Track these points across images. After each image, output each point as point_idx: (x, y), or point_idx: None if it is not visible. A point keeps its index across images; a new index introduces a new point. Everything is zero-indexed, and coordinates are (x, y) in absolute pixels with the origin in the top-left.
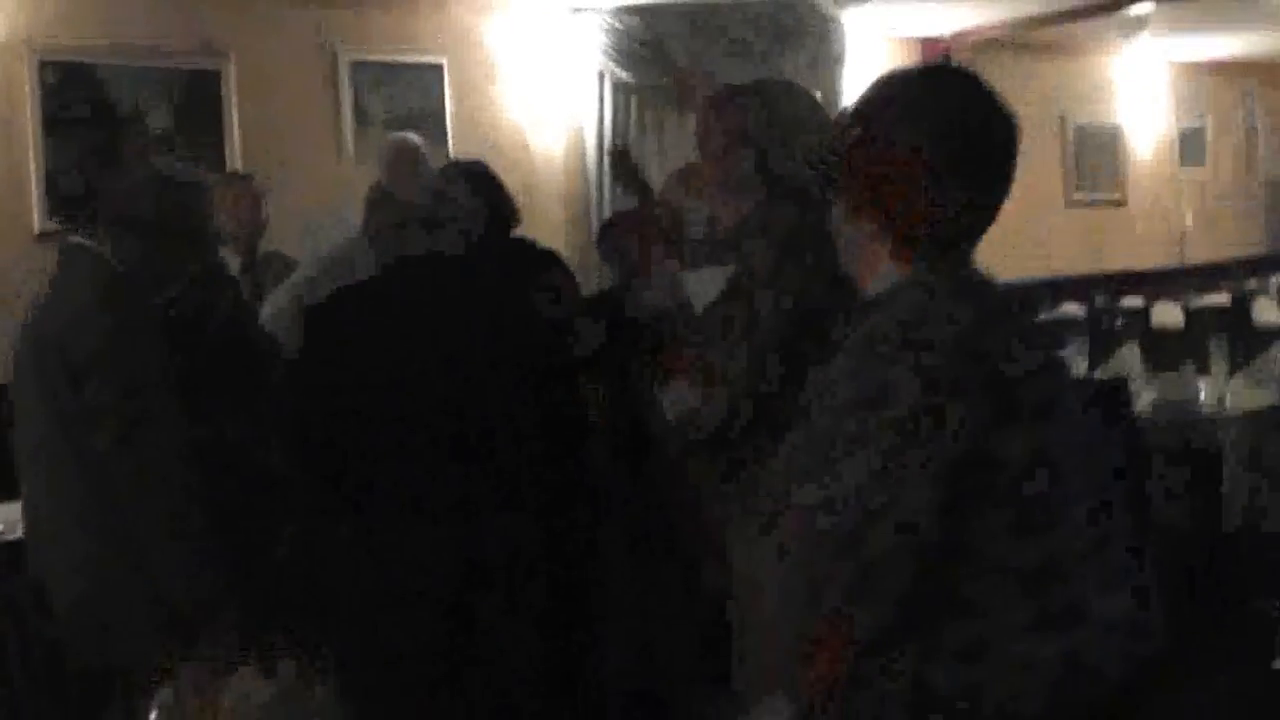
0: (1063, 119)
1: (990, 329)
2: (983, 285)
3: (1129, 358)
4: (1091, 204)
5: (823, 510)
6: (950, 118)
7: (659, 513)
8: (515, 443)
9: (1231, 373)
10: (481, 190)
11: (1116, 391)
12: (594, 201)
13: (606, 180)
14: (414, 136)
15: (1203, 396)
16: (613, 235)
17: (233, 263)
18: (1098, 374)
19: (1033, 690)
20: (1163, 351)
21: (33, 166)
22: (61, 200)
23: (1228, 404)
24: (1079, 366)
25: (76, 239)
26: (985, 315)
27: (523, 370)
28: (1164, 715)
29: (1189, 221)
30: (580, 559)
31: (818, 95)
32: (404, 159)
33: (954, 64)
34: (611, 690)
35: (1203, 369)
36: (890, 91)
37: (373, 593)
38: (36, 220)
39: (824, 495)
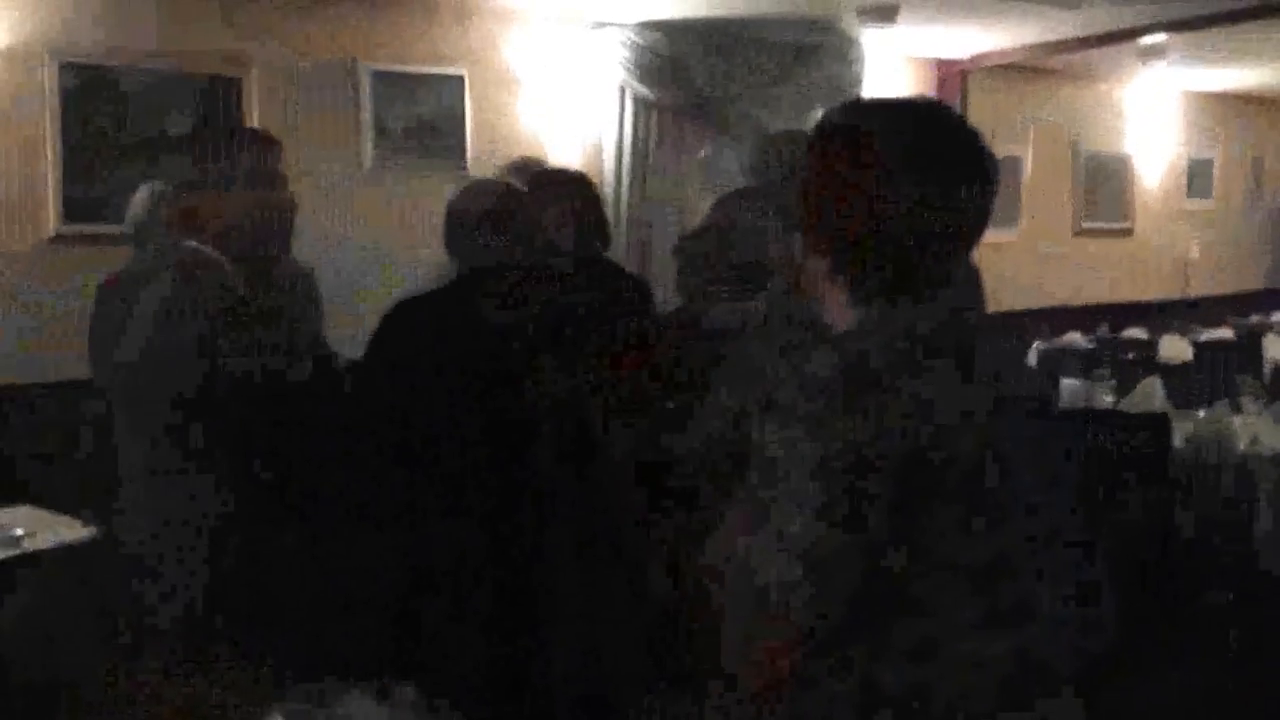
0: (1074, 145)
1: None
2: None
3: (1153, 391)
4: (1099, 233)
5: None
6: (901, 148)
7: (605, 516)
8: (460, 448)
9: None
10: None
11: (1159, 427)
12: (611, 216)
13: (624, 194)
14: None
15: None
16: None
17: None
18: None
19: (983, 688)
20: (1174, 385)
21: (50, 170)
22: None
23: (1263, 445)
24: (1104, 398)
25: (190, 242)
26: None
27: (465, 376)
28: (1117, 711)
29: (1194, 253)
30: (526, 563)
31: None
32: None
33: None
34: (559, 695)
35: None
36: (845, 121)
37: (318, 600)
38: (52, 223)
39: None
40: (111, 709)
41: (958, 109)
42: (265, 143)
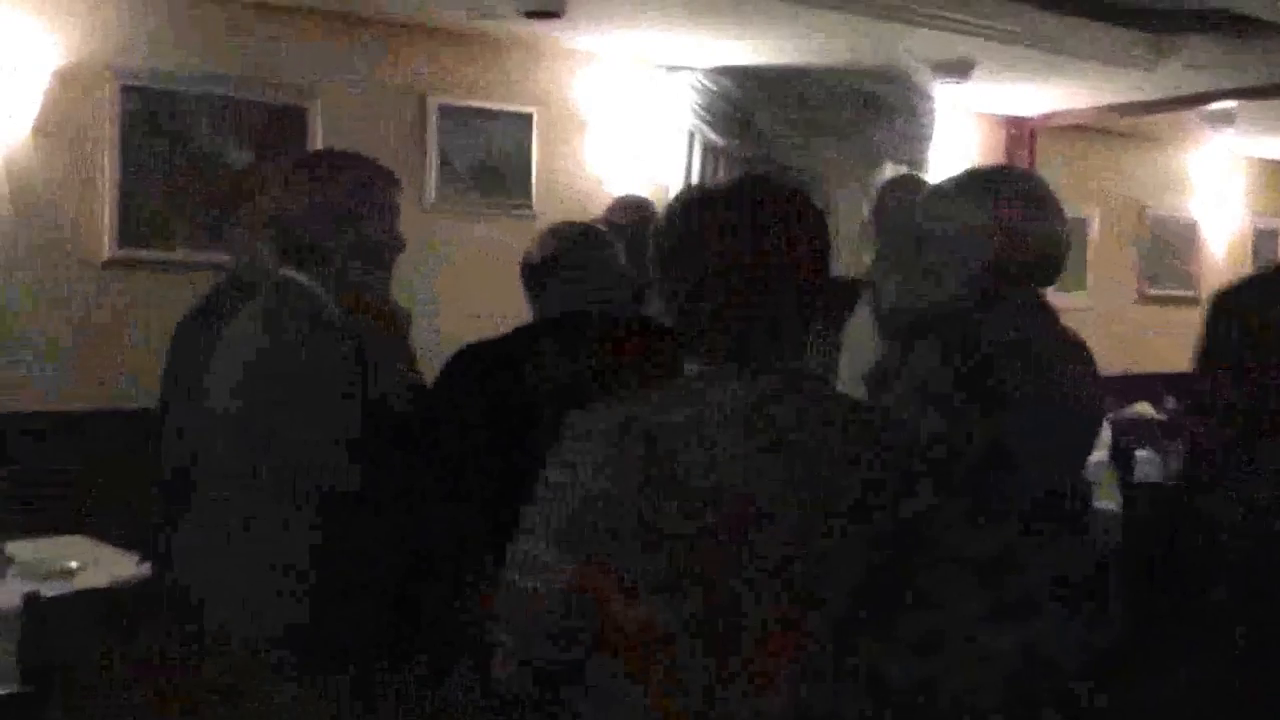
0: (1141, 210)
1: None
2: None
3: None
4: (1164, 300)
5: None
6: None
7: None
8: (461, 432)
9: None
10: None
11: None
12: None
13: None
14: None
15: None
16: None
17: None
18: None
19: (989, 682)
20: None
21: (107, 193)
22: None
23: None
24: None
25: (289, 272)
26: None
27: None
28: (1123, 707)
29: None
30: None
31: (904, 170)
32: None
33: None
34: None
35: None
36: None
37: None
38: (107, 247)
39: None
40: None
41: (1025, 166)
42: (384, 176)
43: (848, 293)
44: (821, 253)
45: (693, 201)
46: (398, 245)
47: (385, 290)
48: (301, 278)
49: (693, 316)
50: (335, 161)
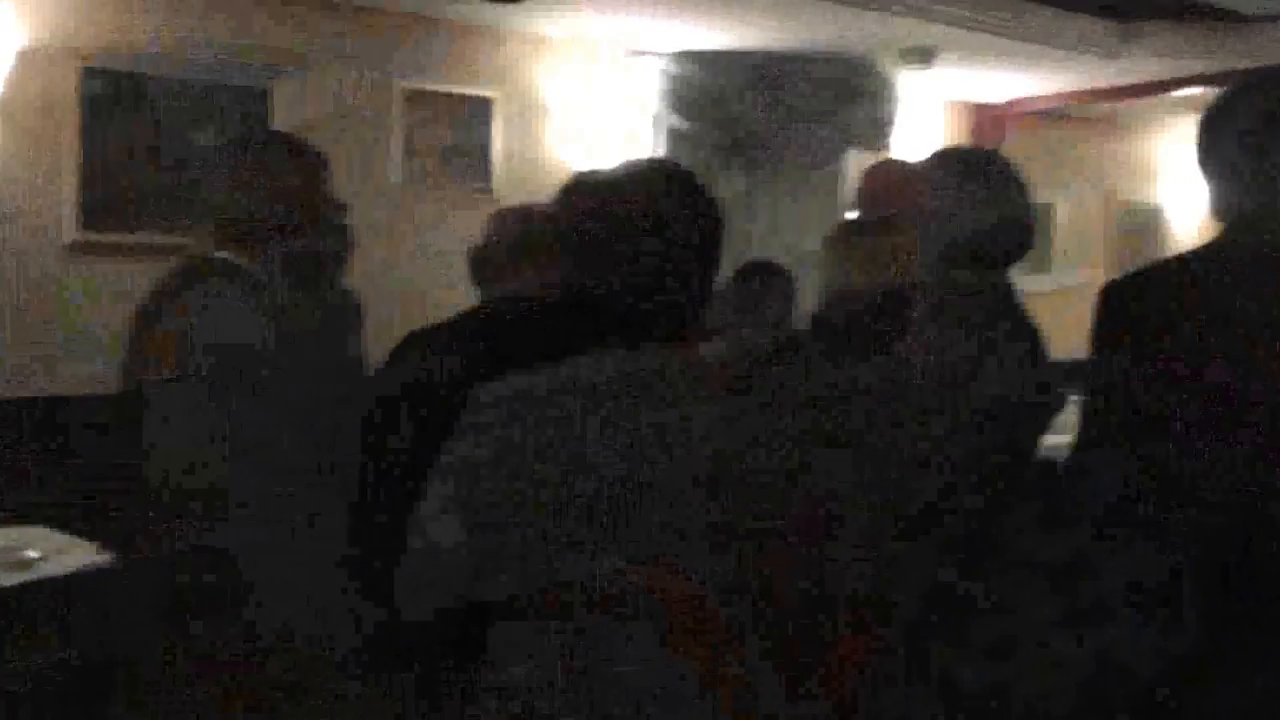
0: (1109, 196)
1: None
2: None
3: None
4: None
5: None
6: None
7: None
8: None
9: None
10: None
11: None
12: None
13: None
14: None
15: None
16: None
17: None
18: None
19: (1062, 689)
20: None
21: (71, 176)
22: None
23: None
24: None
25: (225, 255)
26: None
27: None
28: (1198, 715)
29: None
30: None
31: (871, 157)
32: None
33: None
34: None
35: None
36: None
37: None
38: (70, 229)
39: None
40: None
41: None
42: (314, 157)
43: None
44: (712, 234)
45: (591, 185)
46: (336, 227)
47: (336, 273)
48: (239, 260)
49: (588, 296)
50: (267, 141)
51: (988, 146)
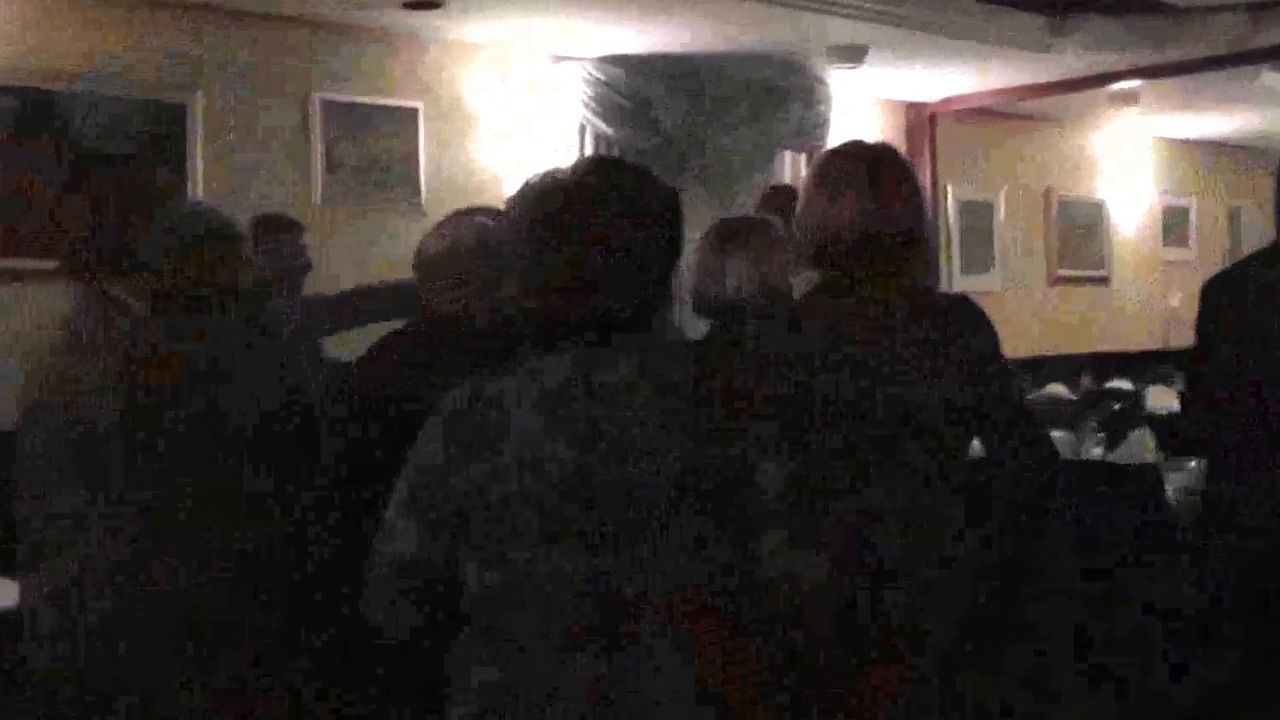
0: (1048, 192)
1: None
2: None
3: (1143, 442)
4: (1076, 281)
5: None
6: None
7: None
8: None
9: None
10: None
11: (1150, 477)
12: None
13: None
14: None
15: None
16: None
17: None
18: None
19: (1099, 717)
20: (1163, 435)
21: None
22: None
23: None
24: (1092, 450)
25: (100, 284)
26: None
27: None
28: None
29: (1175, 302)
30: None
31: (803, 161)
32: None
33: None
34: None
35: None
36: None
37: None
38: None
39: None
40: None
41: (926, 153)
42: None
43: None
44: (667, 230)
45: (535, 187)
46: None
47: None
48: (114, 288)
49: (536, 295)
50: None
51: (920, 148)
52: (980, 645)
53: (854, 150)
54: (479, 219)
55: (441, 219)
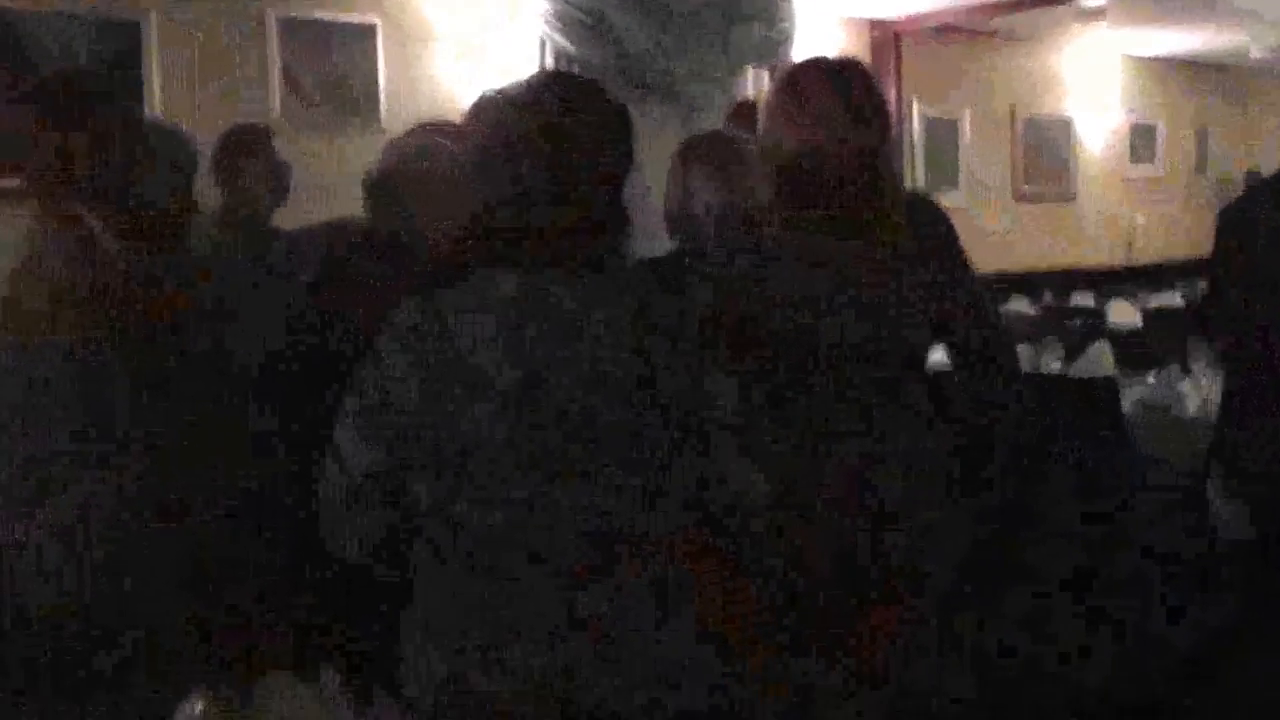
0: (1013, 110)
1: None
2: None
3: (1101, 356)
4: (1041, 198)
5: None
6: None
7: None
8: None
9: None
10: None
11: (1107, 389)
12: None
13: None
14: None
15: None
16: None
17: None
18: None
19: (1097, 660)
20: (1123, 351)
21: None
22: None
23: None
24: (1052, 364)
25: (59, 206)
26: None
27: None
28: (1236, 688)
29: (1140, 220)
30: None
31: (766, 77)
32: None
33: None
34: None
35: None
36: None
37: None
38: None
39: None
40: None
41: (891, 71)
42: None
43: None
44: (616, 143)
45: (486, 103)
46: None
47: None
48: (88, 216)
49: (486, 213)
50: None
51: (886, 66)
52: (979, 587)
53: (819, 63)
54: (433, 138)
55: (393, 137)
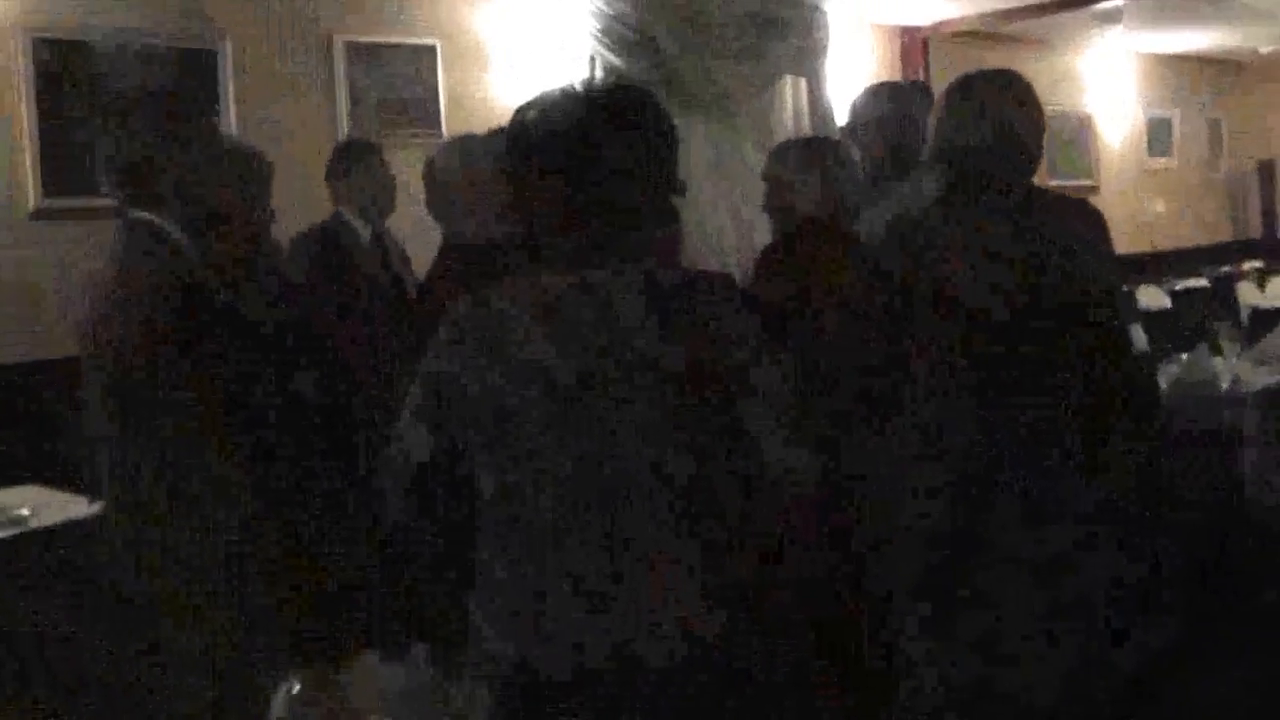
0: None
1: None
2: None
3: (1135, 339)
4: (1066, 189)
5: None
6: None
7: None
8: None
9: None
10: None
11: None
12: None
13: None
14: None
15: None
16: None
17: (364, 233)
18: None
19: (1046, 682)
20: (1153, 332)
21: (27, 144)
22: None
23: (1244, 385)
24: None
25: (141, 213)
26: None
27: None
28: (1178, 708)
29: (1160, 207)
30: None
31: (803, 84)
32: None
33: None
34: None
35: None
36: None
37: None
38: (32, 197)
39: None
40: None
41: (920, 75)
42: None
43: None
44: (665, 153)
45: (528, 118)
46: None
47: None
48: (150, 216)
49: (544, 219)
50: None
51: (914, 71)
52: (933, 611)
53: (989, 73)
54: (489, 140)
55: (450, 139)
